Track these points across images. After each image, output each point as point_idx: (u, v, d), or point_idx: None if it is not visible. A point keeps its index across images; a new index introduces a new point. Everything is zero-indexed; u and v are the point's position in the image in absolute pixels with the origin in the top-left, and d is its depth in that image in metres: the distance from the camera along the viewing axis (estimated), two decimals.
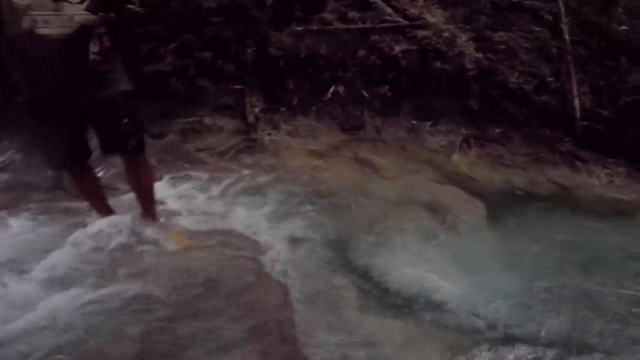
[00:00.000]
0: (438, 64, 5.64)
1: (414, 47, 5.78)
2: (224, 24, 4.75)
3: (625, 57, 7.16)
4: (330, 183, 3.85)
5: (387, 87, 5.41)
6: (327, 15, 5.49)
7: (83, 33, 2.09)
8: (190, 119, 4.59)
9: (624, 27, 7.59)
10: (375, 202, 3.67)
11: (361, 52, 5.50)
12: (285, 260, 2.76)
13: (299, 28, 5.14)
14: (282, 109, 4.79)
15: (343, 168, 4.16)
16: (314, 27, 5.23)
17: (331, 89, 5.06)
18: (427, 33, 6.04)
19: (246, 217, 3.22)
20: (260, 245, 2.84)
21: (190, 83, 4.61)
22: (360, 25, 5.77)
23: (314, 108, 4.86)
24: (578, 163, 5.40)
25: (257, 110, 4.74)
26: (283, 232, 3.09)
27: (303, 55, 4.84)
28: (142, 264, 2.43)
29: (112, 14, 2.25)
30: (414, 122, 5.30)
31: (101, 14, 2.13)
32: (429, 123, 5.35)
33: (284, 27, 5.08)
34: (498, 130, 5.69)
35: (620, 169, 5.67)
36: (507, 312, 2.60)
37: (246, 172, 3.94)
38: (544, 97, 6.37)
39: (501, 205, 4.01)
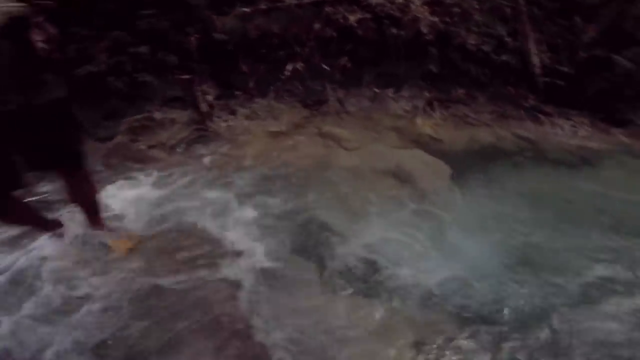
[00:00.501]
0: (394, 30, 5.32)
1: (368, 16, 5.44)
2: (158, 15, 4.31)
3: (578, 16, 7.06)
4: (293, 162, 3.56)
5: (347, 58, 5.08)
6: None
7: (15, 26, 1.70)
8: (138, 116, 4.16)
9: None
10: (340, 175, 3.40)
11: (316, 26, 5.13)
12: (248, 251, 2.51)
13: (246, 9, 4.69)
14: (238, 93, 4.41)
15: (306, 145, 3.86)
16: (263, 7, 4.77)
17: (289, 67, 4.67)
18: (381, 0, 5.69)
19: (204, 211, 2.92)
20: (220, 240, 2.60)
21: (130, 80, 4.20)
22: (309, 0, 5.36)
23: (272, 88, 4.49)
24: (542, 117, 5.25)
25: (210, 98, 4.35)
26: (246, 221, 2.85)
27: (253, 37, 4.42)
28: (94, 270, 2.28)
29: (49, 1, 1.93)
30: (376, 90, 5.01)
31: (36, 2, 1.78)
32: (391, 90, 5.07)
33: (228, 10, 4.61)
34: (462, 91, 5.46)
35: (583, 120, 5.56)
36: (478, 285, 2.41)
37: (201, 163, 3.61)
38: (503, 57, 6.18)
39: (468, 163, 3.80)
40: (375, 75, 5.18)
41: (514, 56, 6.35)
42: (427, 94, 5.13)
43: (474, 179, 3.53)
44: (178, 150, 3.83)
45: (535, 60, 6.30)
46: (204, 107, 4.22)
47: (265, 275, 2.37)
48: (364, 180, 3.29)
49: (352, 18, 5.36)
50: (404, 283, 2.34)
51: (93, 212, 2.40)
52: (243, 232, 2.70)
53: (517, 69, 6.26)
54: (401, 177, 3.35)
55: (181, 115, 4.23)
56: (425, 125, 4.45)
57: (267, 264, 2.46)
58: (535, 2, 7.07)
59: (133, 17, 4.30)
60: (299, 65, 4.57)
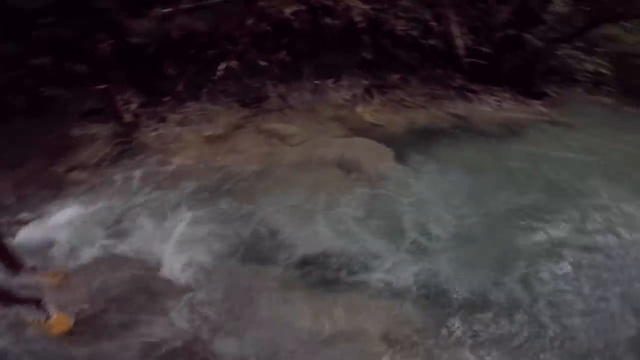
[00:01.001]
0: (328, 20, 5.20)
1: (303, 7, 5.25)
2: (61, 22, 3.64)
3: None
4: (234, 167, 3.26)
5: (284, 52, 4.85)
6: None
7: None
8: (51, 136, 3.54)
9: None
10: (287, 173, 3.21)
11: (249, 21, 4.81)
12: (194, 269, 2.25)
13: (166, 10, 4.18)
14: (166, 98, 3.98)
15: (248, 146, 3.59)
16: (187, 5, 4.32)
17: (221, 66, 4.33)
18: None
19: (137, 237, 2.52)
20: (156, 265, 2.28)
21: (34, 95, 3.55)
22: None
23: (204, 90, 4.12)
24: (470, 94, 5.50)
25: (134, 106, 3.86)
26: (187, 238, 2.51)
27: (177, 37, 3.99)
28: None
29: None
30: (317, 82, 4.88)
31: None
32: (331, 80, 4.98)
33: (145, 11, 4.11)
34: (396, 76, 5.51)
35: (505, 95, 5.92)
36: (425, 268, 2.36)
37: (130, 180, 3.10)
38: (431, 41, 6.35)
39: (409, 144, 3.85)
40: (315, 67, 5.04)
41: (440, 39, 6.57)
42: (364, 82, 5.12)
43: (415, 158, 3.58)
44: (102, 169, 3.26)
45: (459, 42, 6.55)
46: (127, 117, 3.74)
47: (220, 290, 2.13)
48: (311, 175, 3.16)
49: (288, 11, 5.13)
50: (361, 277, 2.28)
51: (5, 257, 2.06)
52: (187, 251, 2.36)
53: (444, 52, 6.48)
54: (347, 166, 3.28)
55: (102, 129, 3.65)
56: (365, 112, 4.43)
57: (220, 279, 2.21)
58: None
59: (29, 27, 3.57)
60: (233, 64, 4.25)
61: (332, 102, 4.63)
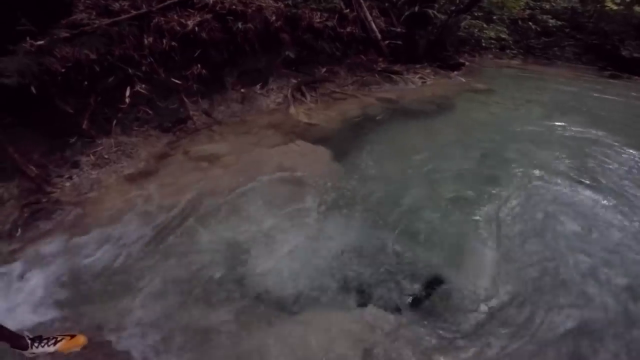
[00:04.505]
0: (241, 25, 4.44)
1: (209, 16, 4.41)
2: None
3: None
4: (163, 205, 2.53)
5: (198, 65, 4.04)
6: (80, 16, 3.60)
7: None
8: None
9: None
10: (223, 199, 2.55)
11: (148, 40, 3.90)
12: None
13: (39, 42, 3.12)
14: (71, 139, 3.05)
15: (176, 177, 2.84)
16: (65, 34, 3.29)
17: (127, 92, 3.43)
18: None
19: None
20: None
21: None
22: (133, 13, 4.06)
23: (114, 122, 3.21)
24: (395, 76, 5.11)
25: (35, 156, 2.93)
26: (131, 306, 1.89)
27: (61, 70, 3.01)
28: None
29: None
30: (242, 90, 4.16)
31: None
32: (258, 86, 4.28)
33: (12, 47, 3.02)
34: (323, 69, 4.95)
35: (427, 71, 5.64)
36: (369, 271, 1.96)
37: (47, 246, 2.28)
38: (348, 29, 5.85)
39: (345, 138, 3.37)
40: (237, 75, 4.30)
41: (356, 26, 6.10)
42: (293, 81, 4.49)
43: (352, 151, 3.15)
44: (14, 238, 2.39)
45: (374, 26, 6.14)
46: (31, 170, 2.83)
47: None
48: (249, 196, 2.55)
49: (191, 22, 4.28)
50: (311, 293, 1.80)
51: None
52: (132, 318, 1.77)
53: (363, 37, 6.03)
54: (286, 177, 2.70)
55: (6, 189, 2.77)
56: (299, 113, 3.83)
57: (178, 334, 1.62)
58: None
59: None
60: (140, 87, 3.38)
61: (263, 108, 3.97)
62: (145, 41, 3.80)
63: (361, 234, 2.22)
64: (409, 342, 1.66)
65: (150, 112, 3.42)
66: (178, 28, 4.09)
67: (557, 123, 4.00)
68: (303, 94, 4.29)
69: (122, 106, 3.29)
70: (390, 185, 2.68)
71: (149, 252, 2.16)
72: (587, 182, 2.83)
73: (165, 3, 4.28)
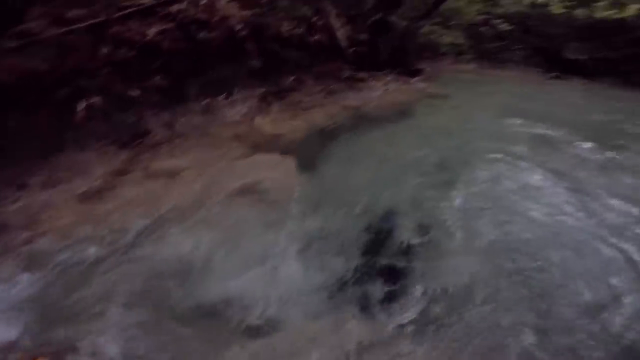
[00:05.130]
0: (204, 34, 4.33)
1: (171, 25, 4.26)
2: None
3: None
4: (120, 225, 2.41)
5: (159, 76, 3.89)
6: (32, 25, 3.36)
7: None
8: None
9: None
10: (184, 218, 2.47)
11: (105, 50, 3.69)
12: None
13: None
14: (19, 157, 2.83)
15: (133, 194, 2.70)
16: (12, 44, 3.03)
17: (80, 105, 3.23)
18: (182, 6, 4.54)
19: None
20: None
21: None
22: (91, 21, 3.83)
23: (66, 137, 3.01)
24: (359, 84, 5.21)
25: None
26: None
27: (7, 82, 2.79)
28: None
29: None
30: (206, 101, 4.06)
31: None
32: (222, 96, 4.19)
33: None
34: (290, 78, 4.93)
35: (389, 78, 5.77)
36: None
37: None
38: (316, 37, 5.87)
39: (310, 149, 3.40)
40: (200, 85, 4.17)
41: (324, 34, 6.13)
42: (259, 90, 4.44)
43: (318, 162, 3.17)
44: None
45: (340, 34, 6.20)
46: None
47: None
48: (212, 213, 2.51)
49: (152, 31, 4.11)
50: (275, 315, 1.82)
51: None
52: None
53: (330, 45, 6.06)
54: (250, 193, 2.69)
55: None
56: (264, 124, 3.80)
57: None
58: None
59: None
60: (95, 100, 3.21)
61: (228, 119, 3.90)
62: (102, 51, 3.62)
63: (326, 249, 2.25)
64: None
65: (105, 126, 3.26)
66: (138, 37, 3.92)
67: (509, 124, 4.28)
68: (269, 104, 4.26)
69: (75, 121, 3.11)
70: (351, 193, 2.75)
71: (99, 274, 2.08)
72: (540, 175, 3.11)
73: (125, 11, 4.09)
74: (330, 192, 2.78)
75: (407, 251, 2.26)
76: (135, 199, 2.67)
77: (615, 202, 2.73)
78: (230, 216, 2.50)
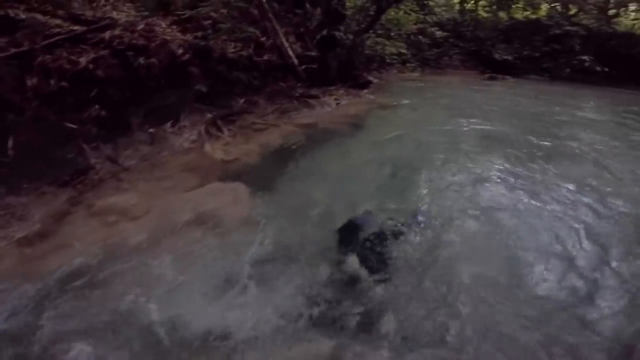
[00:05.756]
0: (142, 60, 4.07)
1: (105, 52, 3.96)
2: None
3: (308, 3, 7.19)
4: (63, 271, 2.15)
5: (96, 106, 3.58)
6: None
7: None
8: None
9: None
10: (133, 259, 2.25)
11: (32, 81, 3.34)
12: None
13: None
14: None
15: (78, 236, 2.42)
16: None
17: (9, 143, 2.87)
18: (117, 32, 4.25)
19: None
20: None
21: None
22: (12, 51, 3.45)
23: None
24: (311, 101, 5.21)
25: None
26: None
27: None
28: None
29: None
30: (151, 130, 3.79)
31: None
32: (169, 124, 3.95)
33: None
34: (241, 100, 4.80)
35: (340, 92, 5.88)
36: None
37: None
38: (265, 57, 5.80)
39: (264, 172, 3.28)
40: (144, 113, 3.90)
41: (273, 53, 6.09)
42: (208, 116, 4.26)
43: (273, 184, 3.07)
44: None
45: (290, 52, 6.20)
46: None
47: None
48: (162, 249, 2.29)
49: (84, 59, 3.78)
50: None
51: None
52: None
53: (281, 64, 6.03)
54: (204, 223, 2.51)
55: None
56: (215, 150, 3.62)
57: None
58: None
59: None
60: (27, 136, 2.84)
61: (176, 148, 3.66)
62: (29, 82, 3.25)
63: (285, 268, 2.15)
64: None
65: (41, 163, 2.89)
66: (68, 66, 3.59)
67: (454, 124, 4.53)
68: (219, 129, 4.09)
69: (4, 160, 2.72)
70: (308, 208, 2.68)
71: (35, 327, 1.80)
72: (489, 172, 3.33)
73: (52, 40, 3.74)
74: (287, 210, 2.69)
75: (366, 259, 2.23)
76: (81, 239, 2.38)
77: (555, 182, 3.13)
78: (183, 248, 2.31)
